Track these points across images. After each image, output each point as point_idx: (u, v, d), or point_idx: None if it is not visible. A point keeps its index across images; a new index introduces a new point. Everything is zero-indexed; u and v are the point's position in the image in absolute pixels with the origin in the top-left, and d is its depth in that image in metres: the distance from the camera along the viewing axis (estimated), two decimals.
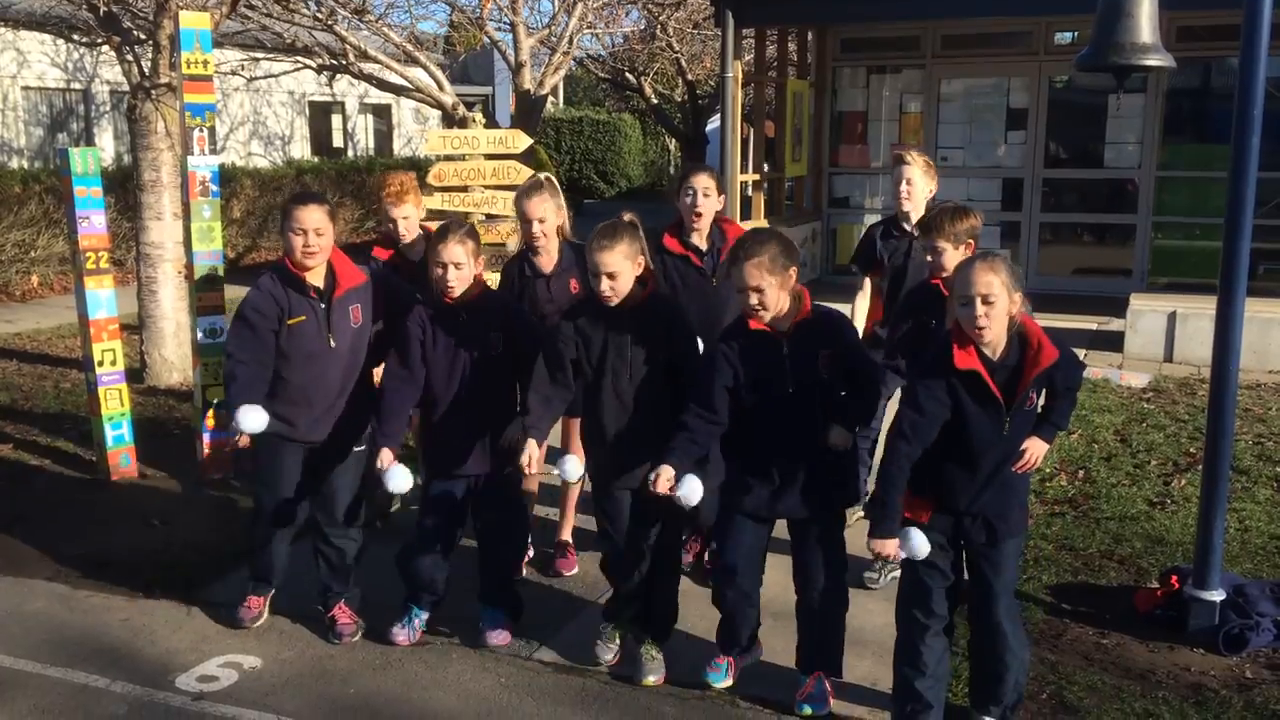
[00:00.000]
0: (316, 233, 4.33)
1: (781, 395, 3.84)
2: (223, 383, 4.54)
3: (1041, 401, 3.71)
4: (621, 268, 4.02)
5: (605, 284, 4.02)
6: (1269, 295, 9.34)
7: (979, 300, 3.44)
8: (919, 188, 5.05)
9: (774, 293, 3.78)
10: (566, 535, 5.24)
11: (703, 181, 4.89)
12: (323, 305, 4.39)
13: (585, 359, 4.15)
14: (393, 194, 5.31)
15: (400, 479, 4.20)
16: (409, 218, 5.35)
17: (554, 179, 5.12)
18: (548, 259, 4.94)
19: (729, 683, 4.11)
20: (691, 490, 3.75)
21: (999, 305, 3.45)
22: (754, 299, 3.78)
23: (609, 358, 4.11)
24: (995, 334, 3.49)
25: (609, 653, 4.31)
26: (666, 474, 3.73)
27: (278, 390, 4.44)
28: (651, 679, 4.17)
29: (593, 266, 4.03)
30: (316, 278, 4.41)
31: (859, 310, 5.37)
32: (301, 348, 4.39)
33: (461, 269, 4.27)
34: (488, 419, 4.39)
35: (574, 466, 4.18)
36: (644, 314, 4.12)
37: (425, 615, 4.55)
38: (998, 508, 3.67)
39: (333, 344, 4.40)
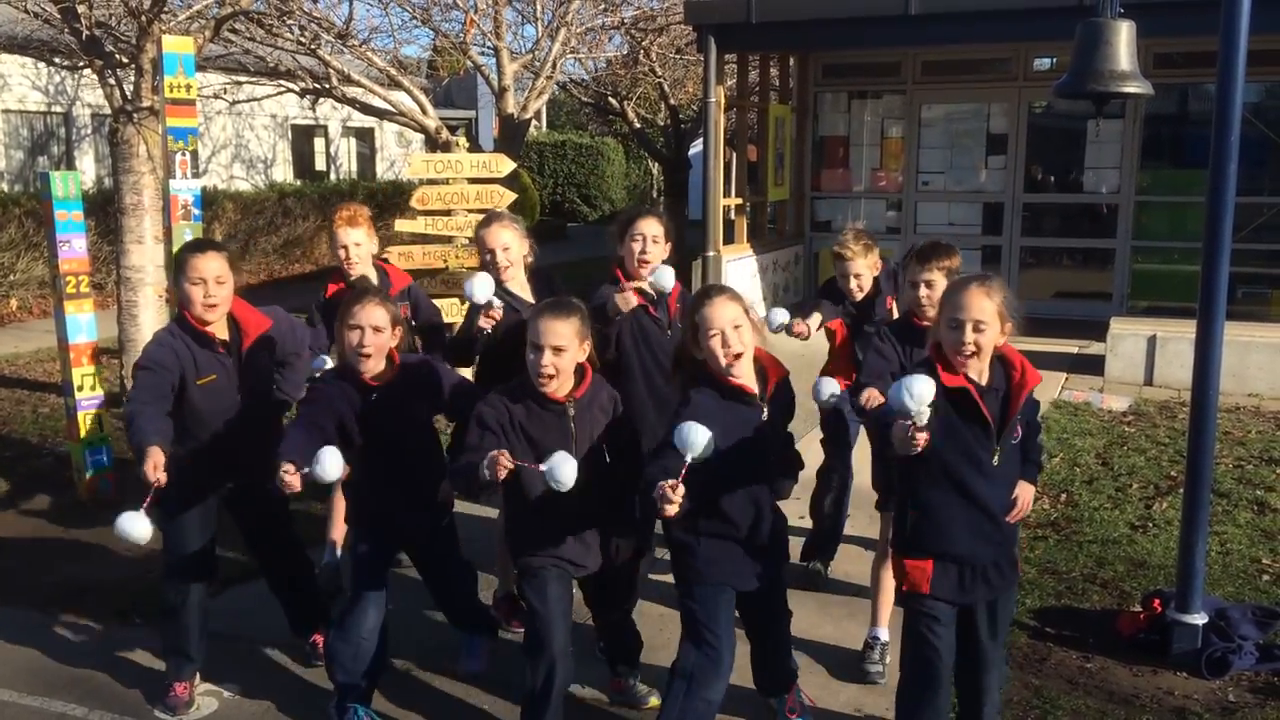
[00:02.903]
0: (217, 281, 4.05)
1: (757, 466, 3.59)
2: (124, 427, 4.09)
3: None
4: (568, 343, 3.59)
5: (547, 358, 3.56)
6: (1248, 319, 9.41)
7: (969, 326, 3.26)
8: (866, 278, 4.94)
9: (749, 336, 3.53)
10: None
11: (651, 228, 4.54)
12: (232, 360, 4.15)
13: (530, 456, 3.59)
14: (344, 218, 5.02)
15: (330, 462, 3.59)
16: (360, 244, 5.03)
17: (509, 212, 4.88)
18: (520, 288, 4.65)
19: None
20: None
21: (989, 333, 3.28)
22: (734, 338, 3.47)
23: (546, 450, 3.52)
24: (980, 363, 3.33)
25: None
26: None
27: (186, 442, 4.09)
28: (654, 700, 4.11)
29: (535, 338, 3.58)
30: (220, 330, 4.15)
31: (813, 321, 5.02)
32: (214, 407, 4.12)
33: (380, 334, 3.87)
34: (417, 479, 4.08)
35: (567, 471, 3.38)
36: (588, 404, 3.71)
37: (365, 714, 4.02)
38: (992, 556, 3.46)
39: (247, 401, 4.20)
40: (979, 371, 3.36)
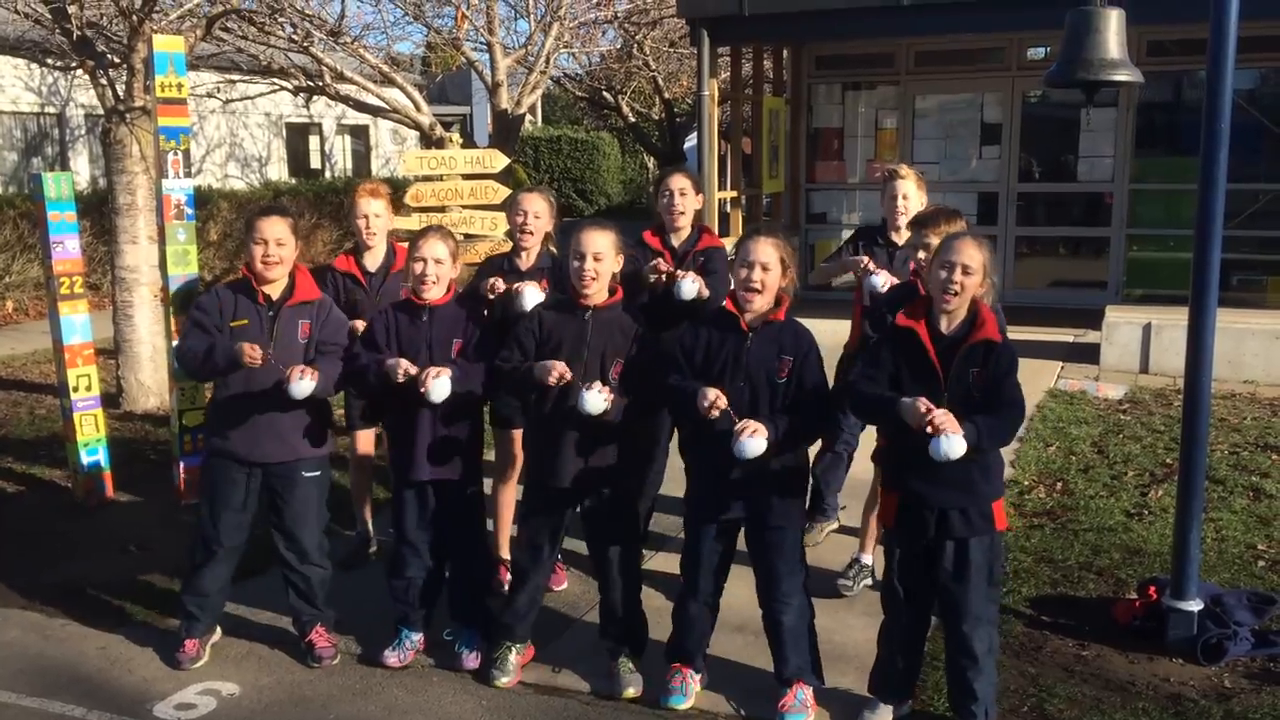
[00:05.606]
0: (277, 243, 4.33)
1: (734, 389, 3.85)
2: (187, 377, 4.52)
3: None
4: (606, 252, 4.07)
5: (589, 264, 4.04)
6: (1243, 306, 9.42)
7: (960, 267, 3.60)
8: (914, 202, 5.05)
9: (774, 279, 3.87)
10: None
11: (679, 182, 5.03)
12: (270, 313, 4.36)
13: (543, 353, 4.12)
14: (368, 189, 5.29)
15: (441, 387, 4.11)
16: (379, 216, 5.24)
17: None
18: (527, 258, 4.96)
19: (691, 703, 4.10)
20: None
21: (973, 279, 3.62)
22: (757, 274, 3.84)
23: (564, 355, 4.07)
24: (960, 304, 3.66)
25: (506, 675, 4.28)
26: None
27: (216, 399, 4.47)
28: (631, 691, 4.16)
29: (578, 246, 4.06)
30: (273, 290, 4.40)
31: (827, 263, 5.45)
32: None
33: (441, 265, 4.32)
34: (445, 423, 4.34)
35: (595, 399, 3.93)
36: (609, 319, 4.14)
37: (417, 636, 4.51)
38: (957, 502, 3.69)
39: (272, 351, 4.29)
40: (951, 316, 3.68)
